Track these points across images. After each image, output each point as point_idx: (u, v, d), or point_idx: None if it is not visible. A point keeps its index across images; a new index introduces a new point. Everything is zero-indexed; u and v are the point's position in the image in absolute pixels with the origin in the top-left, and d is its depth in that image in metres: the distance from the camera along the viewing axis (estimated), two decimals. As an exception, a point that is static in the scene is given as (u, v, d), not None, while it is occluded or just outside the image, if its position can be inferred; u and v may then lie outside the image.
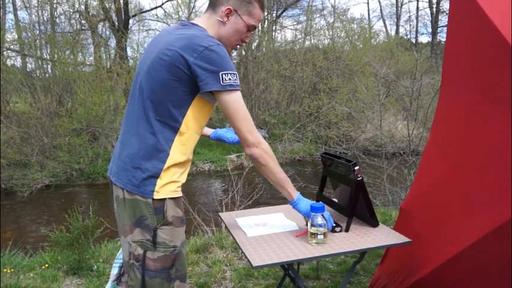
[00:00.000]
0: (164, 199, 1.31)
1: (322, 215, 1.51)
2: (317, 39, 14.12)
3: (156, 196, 1.30)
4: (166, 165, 1.31)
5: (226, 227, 1.85)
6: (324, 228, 1.51)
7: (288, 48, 12.96)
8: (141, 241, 1.30)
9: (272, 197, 7.05)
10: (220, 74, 1.28)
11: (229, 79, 1.29)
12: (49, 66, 10.45)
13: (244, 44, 1.50)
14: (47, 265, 2.96)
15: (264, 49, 12.17)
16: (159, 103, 1.30)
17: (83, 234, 2.91)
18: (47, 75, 10.34)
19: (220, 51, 1.30)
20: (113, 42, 13.31)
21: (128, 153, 1.34)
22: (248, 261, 1.44)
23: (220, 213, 2.04)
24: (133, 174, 1.31)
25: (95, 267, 2.89)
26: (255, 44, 12.28)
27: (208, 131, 1.87)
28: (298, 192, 1.54)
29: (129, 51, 12.92)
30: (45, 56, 10.56)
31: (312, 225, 1.52)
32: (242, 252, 1.59)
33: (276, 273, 2.75)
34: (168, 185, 1.32)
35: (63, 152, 8.41)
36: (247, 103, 11.34)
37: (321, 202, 1.60)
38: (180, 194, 1.37)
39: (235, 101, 1.32)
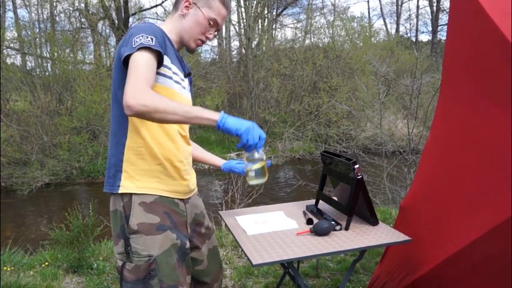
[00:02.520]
0: (131, 206, 1.25)
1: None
2: (317, 37, 14.10)
3: (122, 190, 1.26)
4: (125, 155, 1.27)
5: (226, 225, 1.85)
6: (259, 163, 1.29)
7: (288, 47, 12.93)
8: (123, 253, 1.28)
9: (272, 196, 7.05)
10: (133, 39, 1.17)
11: (140, 39, 1.15)
12: (49, 65, 10.44)
13: (208, 40, 1.40)
14: (47, 263, 2.97)
15: (264, 47, 12.13)
16: (113, 97, 1.28)
17: (83, 232, 2.92)
18: (46, 73, 10.33)
19: (142, 25, 1.22)
20: (112, 41, 13.29)
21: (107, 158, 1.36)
22: (248, 259, 1.44)
23: (220, 212, 2.04)
24: (108, 175, 1.32)
25: (95, 265, 2.89)
26: (255, 42, 12.26)
27: (220, 162, 1.78)
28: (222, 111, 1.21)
29: (129, 50, 12.86)
30: (45, 54, 10.55)
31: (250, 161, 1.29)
32: (242, 250, 1.59)
33: (275, 271, 2.75)
34: (133, 179, 1.27)
35: (63, 151, 8.40)
36: (247, 102, 11.33)
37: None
38: (149, 192, 1.27)
39: (139, 58, 1.13)
